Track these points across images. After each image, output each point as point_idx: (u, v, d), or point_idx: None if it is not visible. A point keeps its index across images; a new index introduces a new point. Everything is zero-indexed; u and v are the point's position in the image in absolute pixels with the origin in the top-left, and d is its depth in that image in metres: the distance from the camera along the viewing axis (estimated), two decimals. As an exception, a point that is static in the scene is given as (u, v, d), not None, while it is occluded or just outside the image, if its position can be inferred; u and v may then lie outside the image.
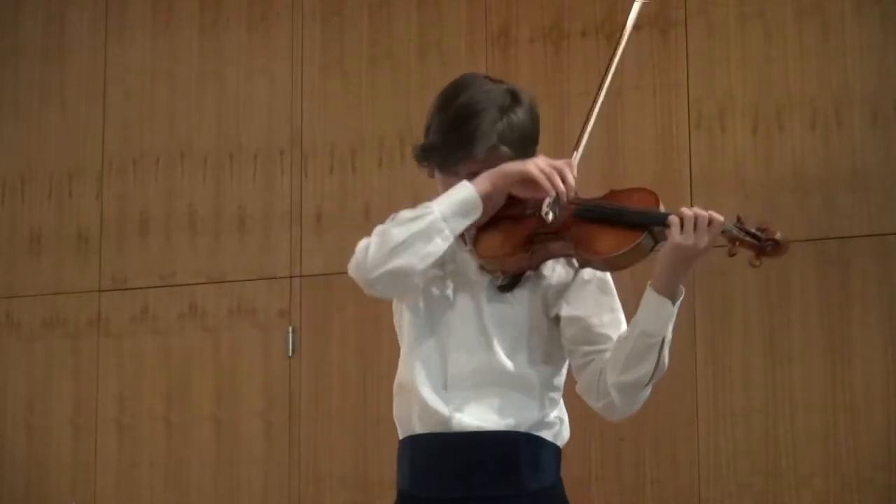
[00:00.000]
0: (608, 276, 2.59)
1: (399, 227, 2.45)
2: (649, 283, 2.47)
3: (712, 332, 4.36)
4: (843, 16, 4.40)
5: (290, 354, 4.84)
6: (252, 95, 5.06)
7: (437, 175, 2.60)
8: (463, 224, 2.47)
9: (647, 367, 2.47)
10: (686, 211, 2.44)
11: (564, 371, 2.64)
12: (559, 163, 2.48)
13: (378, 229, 2.49)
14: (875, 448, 4.20)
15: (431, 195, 2.51)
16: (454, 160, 2.54)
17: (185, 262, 5.04)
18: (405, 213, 2.48)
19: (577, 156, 2.58)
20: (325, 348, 4.82)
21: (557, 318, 2.58)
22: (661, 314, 2.45)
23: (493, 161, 2.52)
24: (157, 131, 5.15)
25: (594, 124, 2.66)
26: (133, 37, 5.25)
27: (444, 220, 2.45)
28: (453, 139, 2.53)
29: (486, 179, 2.47)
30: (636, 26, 4.58)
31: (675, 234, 2.41)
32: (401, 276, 2.47)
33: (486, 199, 2.48)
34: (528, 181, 2.46)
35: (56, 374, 5.13)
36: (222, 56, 5.12)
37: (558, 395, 2.62)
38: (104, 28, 5.28)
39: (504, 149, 2.52)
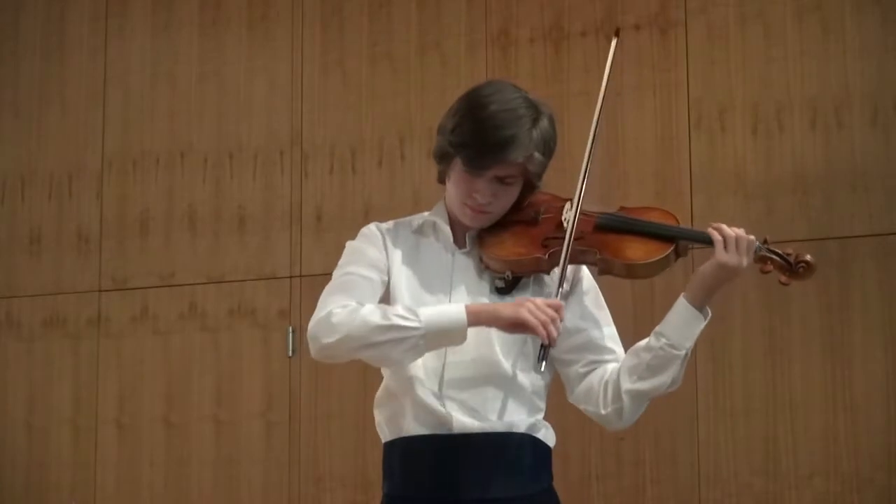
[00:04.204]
0: (599, 292, 2.63)
1: (381, 332, 2.43)
2: (683, 295, 2.51)
3: (712, 332, 4.34)
4: (843, 16, 4.40)
5: (290, 354, 4.84)
6: (252, 95, 5.05)
7: (459, 173, 2.58)
8: (439, 347, 2.47)
9: (665, 378, 2.51)
10: (727, 230, 2.48)
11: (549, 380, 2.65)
12: (551, 311, 2.42)
13: (361, 315, 2.46)
14: (875, 448, 4.20)
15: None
16: (488, 162, 2.53)
17: (185, 262, 5.04)
18: (396, 317, 2.44)
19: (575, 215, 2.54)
20: (325, 348, 4.81)
21: None
22: (691, 327, 2.50)
23: (526, 165, 2.55)
24: (157, 131, 5.15)
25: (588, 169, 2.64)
26: (133, 37, 5.24)
27: (425, 338, 2.43)
28: (490, 142, 2.52)
29: (477, 315, 2.43)
30: (636, 26, 4.62)
31: (719, 253, 2.46)
32: (352, 357, 2.50)
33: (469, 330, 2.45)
34: (520, 327, 2.42)
35: (56, 374, 5.13)
36: (222, 56, 5.12)
37: (543, 404, 2.64)
38: (104, 28, 5.28)
39: (538, 155, 2.56)
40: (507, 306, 2.43)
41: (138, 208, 5.12)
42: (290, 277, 4.88)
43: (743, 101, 4.47)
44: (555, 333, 2.40)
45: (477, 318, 2.43)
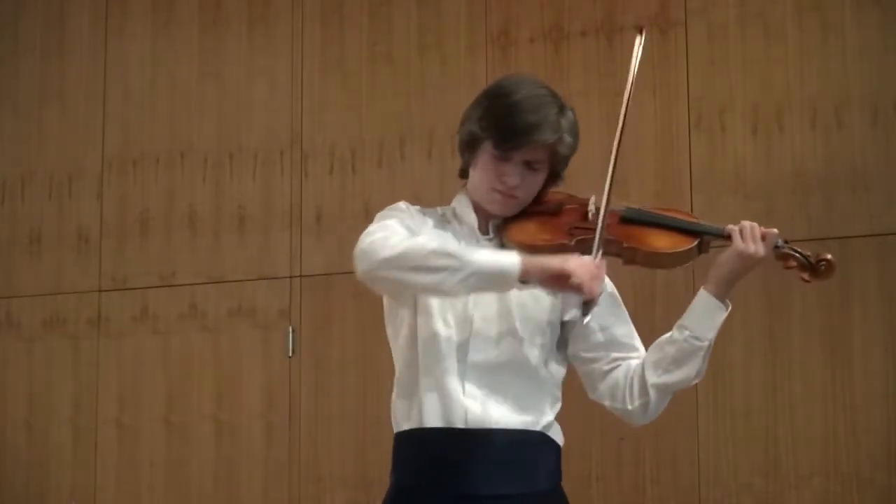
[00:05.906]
0: (616, 292, 2.65)
1: (439, 257, 2.40)
2: (703, 287, 2.57)
3: (712, 332, 4.36)
4: (843, 16, 4.41)
5: (290, 354, 4.84)
6: (252, 95, 5.06)
7: (487, 158, 2.58)
8: (484, 289, 2.44)
9: (690, 370, 2.55)
10: (744, 222, 2.55)
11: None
12: (597, 271, 2.44)
13: (419, 239, 2.47)
14: (875, 448, 4.20)
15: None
16: (519, 142, 2.54)
17: (185, 262, 5.04)
18: (450, 246, 2.45)
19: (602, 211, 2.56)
20: (325, 348, 4.82)
21: (564, 322, 2.61)
22: (714, 319, 2.57)
23: (555, 148, 2.57)
24: (157, 131, 5.15)
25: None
26: (133, 36, 5.25)
27: (476, 276, 2.39)
28: (520, 123, 2.54)
29: (528, 266, 2.39)
30: (636, 27, 4.61)
31: (737, 242, 2.53)
32: (403, 289, 2.50)
33: (521, 282, 2.42)
34: (565, 278, 2.39)
35: (56, 374, 5.13)
36: (222, 56, 5.12)
37: (560, 393, 2.64)
38: (104, 28, 5.28)
39: (568, 138, 2.59)
40: (555, 259, 2.42)
41: (138, 208, 5.12)
42: (290, 277, 4.88)
43: (743, 101, 4.47)
44: (597, 290, 2.41)
45: (527, 270, 2.39)
